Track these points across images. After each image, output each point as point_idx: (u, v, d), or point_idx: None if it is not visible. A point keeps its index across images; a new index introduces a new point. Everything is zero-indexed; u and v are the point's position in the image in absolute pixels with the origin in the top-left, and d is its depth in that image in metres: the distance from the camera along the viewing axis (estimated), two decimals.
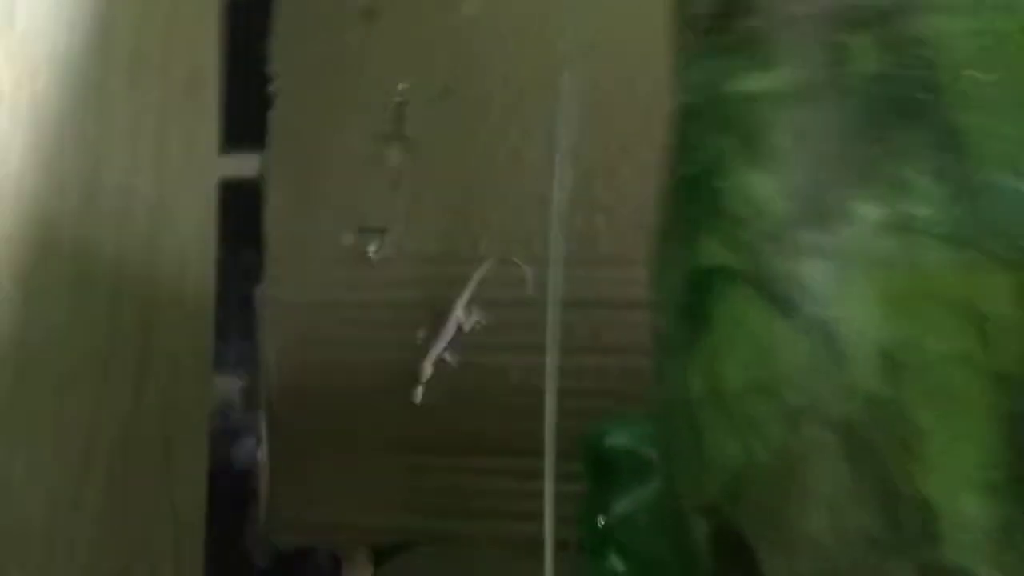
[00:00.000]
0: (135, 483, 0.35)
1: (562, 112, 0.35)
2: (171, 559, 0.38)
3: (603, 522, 0.44)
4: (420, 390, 0.55)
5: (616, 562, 0.44)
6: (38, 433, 0.31)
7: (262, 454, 0.59)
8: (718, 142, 0.29)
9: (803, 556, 0.26)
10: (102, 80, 0.33)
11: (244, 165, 0.61)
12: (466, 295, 0.55)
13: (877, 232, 0.25)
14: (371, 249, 0.58)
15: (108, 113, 0.33)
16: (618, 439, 0.44)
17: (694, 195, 0.30)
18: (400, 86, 0.57)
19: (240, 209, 0.60)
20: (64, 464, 0.32)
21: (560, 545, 0.49)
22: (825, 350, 0.25)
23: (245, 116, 0.60)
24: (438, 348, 0.56)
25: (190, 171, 0.37)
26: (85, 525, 0.32)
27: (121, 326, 0.34)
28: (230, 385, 0.61)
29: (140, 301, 0.35)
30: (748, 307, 0.27)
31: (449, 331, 0.55)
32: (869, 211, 0.25)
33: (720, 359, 0.28)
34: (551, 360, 0.32)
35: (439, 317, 0.56)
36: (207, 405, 0.40)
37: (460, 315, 0.55)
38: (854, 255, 0.25)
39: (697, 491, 0.29)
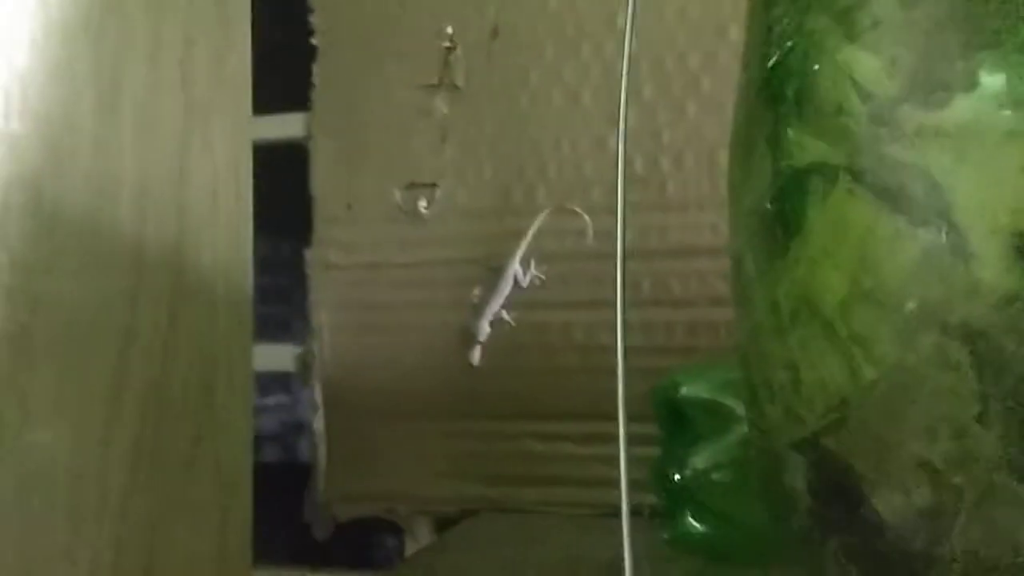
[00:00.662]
0: (169, 430, 0.33)
1: (627, 46, 0.32)
2: (215, 518, 0.36)
3: (679, 478, 0.41)
4: (478, 350, 0.53)
5: (693, 523, 0.41)
6: (61, 362, 0.30)
7: (319, 422, 0.57)
8: (807, 22, 0.25)
9: (920, 487, 0.22)
10: None
11: (286, 126, 0.59)
12: (522, 247, 0.53)
13: (1002, 101, 0.21)
14: (421, 205, 0.55)
15: (127, 17, 0.31)
16: (694, 389, 0.41)
17: (781, 86, 0.26)
18: (447, 30, 0.55)
19: (285, 171, 0.58)
20: (91, 396, 0.31)
21: (634, 510, 0.46)
22: (947, 245, 0.22)
23: (285, 75, 0.58)
24: (495, 306, 0.53)
25: (220, 89, 0.35)
26: (115, 466, 0.31)
27: (149, 254, 0.32)
28: (284, 353, 0.59)
29: (170, 227, 0.33)
30: (852, 205, 0.24)
31: (506, 288, 0.53)
32: (992, 79, 0.21)
33: (818, 270, 0.25)
34: (620, 315, 0.29)
35: (495, 274, 0.53)
36: (248, 352, 0.38)
37: (518, 270, 0.53)
38: (978, 131, 0.22)
39: (793, 424, 0.26)
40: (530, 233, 0.53)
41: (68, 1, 0.29)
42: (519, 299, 0.54)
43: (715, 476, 0.40)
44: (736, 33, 0.50)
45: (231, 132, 0.36)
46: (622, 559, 0.27)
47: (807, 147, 0.24)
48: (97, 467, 0.30)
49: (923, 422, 0.22)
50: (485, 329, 0.53)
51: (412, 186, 0.56)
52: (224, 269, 0.36)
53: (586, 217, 0.52)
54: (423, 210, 0.56)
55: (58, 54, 0.28)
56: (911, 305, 0.22)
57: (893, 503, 0.23)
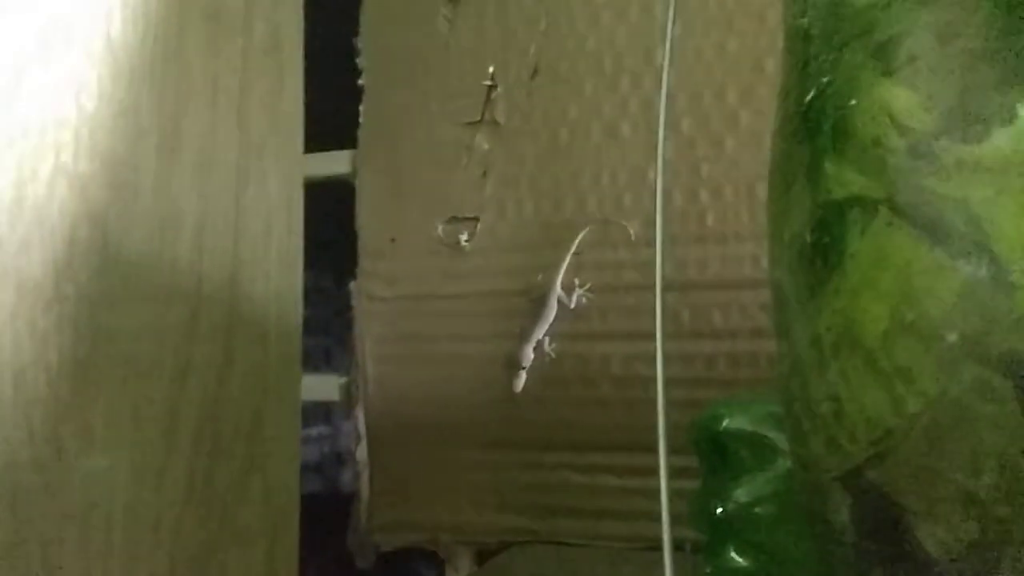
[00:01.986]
0: (221, 458, 0.34)
1: (664, 82, 0.33)
2: (263, 544, 0.37)
3: (721, 512, 0.40)
4: (522, 377, 0.53)
5: (736, 557, 0.41)
6: (120, 392, 0.31)
7: (362, 452, 0.58)
8: (843, 58, 0.26)
9: (968, 520, 0.22)
10: (180, 30, 0.32)
11: (333, 163, 0.60)
12: (564, 265, 0.53)
13: None
14: (463, 239, 0.56)
15: (186, 64, 0.33)
16: (736, 421, 0.41)
17: (818, 121, 0.26)
18: (489, 69, 0.56)
19: (331, 207, 0.60)
20: (148, 425, 0.32)
21: (674, 545, 0.45)
22: (988, 277, 0.22)
23: (333, 115, 0.60)
24: (539, 333, 0.53)
25: (274, 130, 0.37)
26: (169, 494, 0.32)
27: (206, 288, 0.33)
28: (330, 384, 0.60)
29: (226, 261, 0.34)
30: (891, 238, 0.24)
31: (550, 313, 0.53)
32: None
33: (859, 301, 0.25)
34: (659, 347, 0.29)
35: (537, 305, 0.54)
36: (297, 383, 0.39)
37: (561, 293, 0.53)
38: (1017, 162, 0.22)
39: (836, 457, 0.26)
40: (571, 250, 0.53)
41: (133, 49, 0.31)
42: (559, 331, 0.54)
43: (758, 510, 0.40)
44: (773, 67, 0.51)
45: (284, 170, 0.37)
46: None
47: (846, 180, 0.25)
48: (153, 495, 0.31)
49: (968, 455, 0.22)
50: (529, 355, 0.54)
51: (454, 220, 0.57)
52: (276, 301, 0.37)
53: (625, 224, 0.52)
54: (465, 243, 0.57)
55: (123, 98, 0.30)
56: (952, 337, 0.22)
57: (939, 537, 0.23)
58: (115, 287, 0.30)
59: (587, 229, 0.53)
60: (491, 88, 0.56)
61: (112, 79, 0.30)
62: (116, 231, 0.30)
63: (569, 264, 0.54)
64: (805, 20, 0.28)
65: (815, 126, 0.26)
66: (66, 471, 0.29)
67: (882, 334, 0.23)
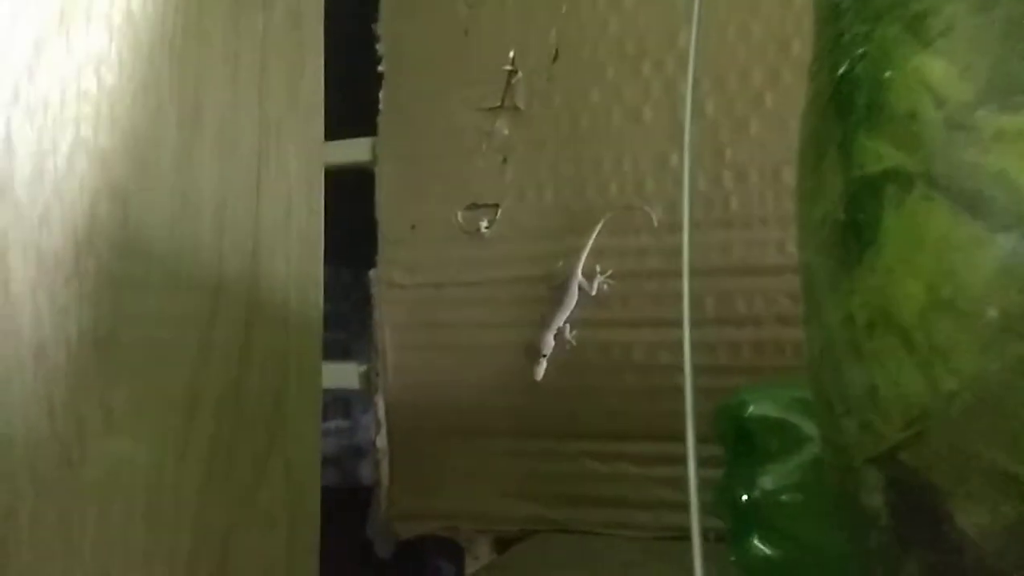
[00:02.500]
0: (242, 439, 0.34)
1: (691, 62, 0.32)
2: (284, 526, 0.37)
3: (746, 499, 0.40)
4: (542, 365, 0.53)
5: (761, 545, 0.40)
6: (142, 371, 0.31)
7: (381, 440, 0.58)
8: (877, 30, 0.25)
9: (1007, 502, 0.22)
10: (200, 4, 0.32)
11: (352, 151, 0.60)
12: (585, 253, 0.53)
13: None
14: (483, 225, 0.56)
15: (207, 39, 0.32)
16: (761, 408, 0.40)
17: (851, 95, 0.26)
18: (509, 54, 0.56)
19: (351, 194, 0.59)
20: (169, 406, 0.32)
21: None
22: None
23: (352, 102, 0.59)
24: (560, 320, 0.53)
25: (294, 108, 0.36)
26: (190, 474, 0.32)
27: (227, 267, 0.33)
28: (349, 371, 0.60)
29: (246, 240, 0.34)
30: (928, 212, 0.23)
31: (571, 300, 0.53)
32: None
33: (894, 279, 0.24)
34: (687, 334, 0.29)
35: (558, 292, 0.53)
36: (318, 366, 0.39)
37: (583, 280, 0.53)
38: None
39: (870, 439, 0.25)
40: (592, 236, 0.53)
41: (153, 22, 0.30)
42: (580, 318, 0.54)
43: (784, 497, 0.39)
44: (798, 49, 0.50)
45: (305, 150, 0.37)
46: None
47: (880, 154, 0.24)
48: (174, 475, 0.31)
49: (1008, 434, 0.21)
50: (550, 343, 0.53)
51: (474, 207, 0.57)
52: (297, 282, 0.36)
53: (647, 209, 0.52)
54: (485, 230, 0.56)
55: (144, 72, 0.30)
56: (992, 313, 0.21)
57: (978, 519, 0.22)
58: (136, 266, 0.30)
59: (608, 215, 0.53)
60: (511, 73, 0.56)
61: (132, 53, 0.30)
62: (137, 206, 0.30)
63: (590, 250, 0.53)
64: None
65: (848, 100, 0.26)
66: (87, 448, 0.29)
67: (918, 312, 0.23)
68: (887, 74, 0.24)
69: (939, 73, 0.23)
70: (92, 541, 0.29)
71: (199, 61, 0.32)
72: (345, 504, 0.59)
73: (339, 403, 0.68)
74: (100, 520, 0.29)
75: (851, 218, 0.25)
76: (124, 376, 0.30)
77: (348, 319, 0.62)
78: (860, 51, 0.25)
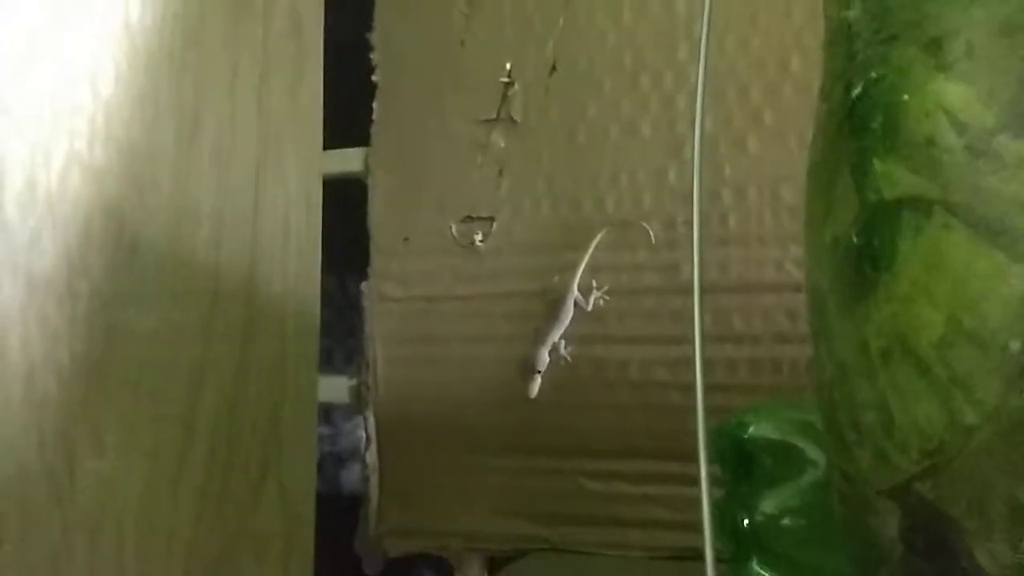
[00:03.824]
0: (237, 461, 0.33)
1: (700, 73, 0.32)
2: (278, 550, 0.36)
3: (747, 523, 0.39)
4: (537, 380, 0.52)
5: (761, 570, 0.40)
6: (135, 393, 0.30)
7: (371, 455, 0.57)
8: (893, 52, 0.25)
9: None
10: (200, 14, 0.31)
11: (345, 161, 0.59)
12: (580, 269, 0.52)
13: None
14: (478, 238, 0.55)
15: (206, 49, 0.31)
16: (763, 429, 0.40)
17: (865, 117, 0.25)
18: (506, 65, 0.55)
19: (343, 205, 0.58)
20: (163, 429, 0.31)
21: (693, 554, 0.44)
22: None
23: (345, 112, 0.59)
24: (555, 336, 0.52)
25: (293, 120, 0.36)
26: (185, 499, 0.31)
27: (223, 283, 0.32)
28: (339, 385, 0.59)
29: (244, 255, 0.33)
30: (948, 240, 0.23)
31: (567, 316, 0.52)
32: None
33: (912, 307, 0.23)
34: (697, 352, 0.28)
35: (553, 307, 0.53)
36: (314, 381, 0.38)
37: (578, 296, 0.52)
38: None
39: (884, 469, 0.25)
40: (589, 251, 0.52)
41: (152, 32, 0.30)
42: (575, 334, 0.53)
43: (786, 521, 0.39)
44: (798, 65, 0.49)
45: (303, 162, 0.36)
46: None
47: (897, 180, 0.24)
48: (167, 502, 0.30)
49: None
50: (544, 359, 0.52)
51: (469, 219, 0.56)
52: (294, 298, 0.36)
53: (644, 225, 0.51)
54: (479, 243, 0.55)
55: (142, 83, 0.29)
56: (1016, 345, 0.21)
57: (997, 555, 0.22)
58: (131, 285, 0.29)
59: (605, 230, 0.52)
60: (508, 85, 0.55)
61: (129, 64, 0.29)
62: (132, 223, 0.29)
63: (587, 266, 0.53)
64: (850, 13, 0.27)
65: (862, 123, 0.25)
66: (77, 478, 0.28)
67: (937, 341, 0.22)
68: (904, 97, 0.24)
69: (958, 98, 0.22)
70: (80, 574, 0.28)
71: (198, 72, 0.32)
72: (332, 514, 0.58)
73: (321, 409, 0.67)
74: (90, 552, 0.28)
75: (866, 243, 0.25)
76: (116, 400, 0.29)
77: (337, 331, 0.61)
78: (875, 74, 0.25)
